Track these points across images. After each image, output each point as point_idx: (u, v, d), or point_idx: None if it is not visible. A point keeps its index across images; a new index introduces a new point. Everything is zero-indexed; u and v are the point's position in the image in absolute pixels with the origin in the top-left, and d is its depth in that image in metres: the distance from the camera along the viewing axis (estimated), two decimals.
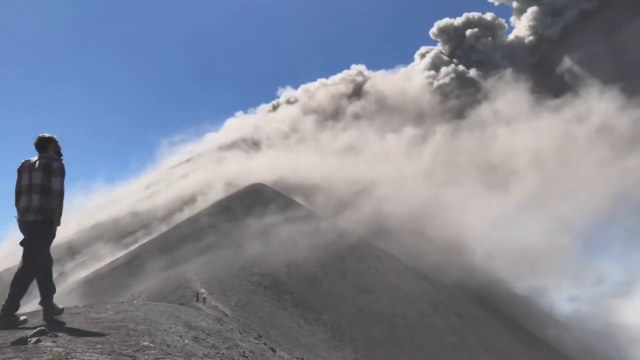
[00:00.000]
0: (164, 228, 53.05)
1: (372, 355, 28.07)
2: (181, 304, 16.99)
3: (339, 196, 62.40)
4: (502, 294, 55.20)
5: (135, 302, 14.50)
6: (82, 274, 43.99)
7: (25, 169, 6.30)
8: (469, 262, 53.79)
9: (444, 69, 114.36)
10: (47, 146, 6.41)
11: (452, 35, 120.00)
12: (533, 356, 37.98)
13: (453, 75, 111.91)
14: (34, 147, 6.44)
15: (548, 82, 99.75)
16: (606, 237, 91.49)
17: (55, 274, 6.93)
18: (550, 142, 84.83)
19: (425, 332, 33.56)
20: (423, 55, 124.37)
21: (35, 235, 6.15)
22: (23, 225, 6.20)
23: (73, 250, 56.20)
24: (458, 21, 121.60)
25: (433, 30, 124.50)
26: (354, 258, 40.48)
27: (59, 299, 6.89)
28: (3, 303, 6.03)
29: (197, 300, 19.22)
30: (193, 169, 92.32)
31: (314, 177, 68.54)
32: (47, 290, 6.37)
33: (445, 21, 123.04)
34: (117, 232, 61.86)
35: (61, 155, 6.60)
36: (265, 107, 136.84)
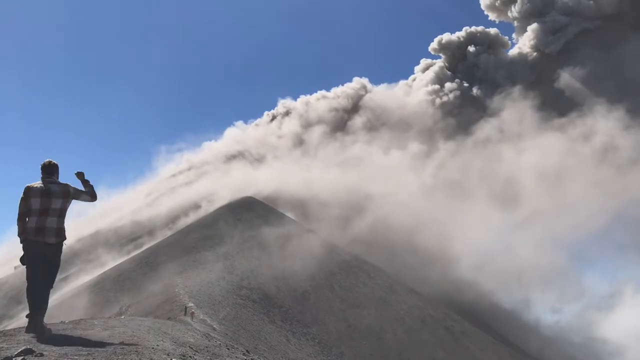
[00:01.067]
0: (167, 233, 53.05)
1: None
2: (169, 319, 16.87)
3: (333, 210, 62.54)
4: (490, 308, 55.38)
5: (122, 317, 14.37)
6: (82, 280, 43.96)
7: (35, 193, 6.75)
8: (458, 276, 53.94)
9: (448, 85, 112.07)
10: (53, 172, 7.00)
11: (453, 51, 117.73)
12: None
13: (457, 92, 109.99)
14: (40, 168, 7.01)
15: (550, 99, 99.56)
16: (596, 253, 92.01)
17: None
18: (552, 160, 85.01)
19: (414, 347, 33.50)
20: (425, 69, 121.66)
21: (58, 255, 6.93)
22: (39, 245, 6.71)
23: (73, 257, 56.13)
24: (459, 36, 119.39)
25: (433, 45, 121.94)
26: (342, 272, 40.43)
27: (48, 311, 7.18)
28: (31, 314, 6.66)
29: (185, 314, 19.09)
30: (194, 178, 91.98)
31: (309, 191, 68.72)
32: (43, 306, 6.78)
33: (446, 36, 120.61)
34: (117, 239, 61.63)
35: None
36: (265, 118, 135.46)
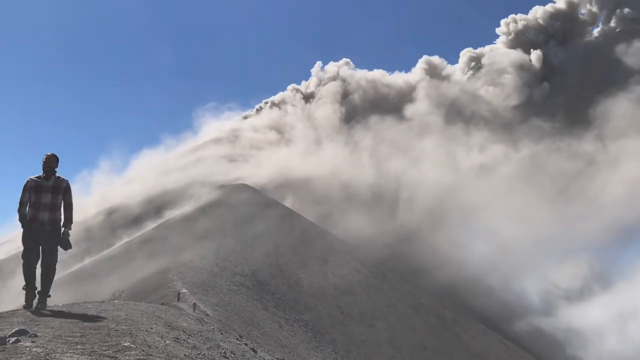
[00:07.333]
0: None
1: (352, 356, 28.23)
2: (162, 304, 16.92)
3: (338, 197, 63.04)
4: (483, 293, 55.91)
5: (116, 301, 14.40)
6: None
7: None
8: (454, 265, 54.35)
9: (537, 92, 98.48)
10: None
11: (528, 38, 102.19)
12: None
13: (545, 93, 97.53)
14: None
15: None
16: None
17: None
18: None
19: (406, 334, 33.81)
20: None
21: None
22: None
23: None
24: (530, 19, 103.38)
25: (502, 29, 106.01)
26: (336, 259, 40.61)
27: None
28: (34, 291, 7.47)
29: (177, 300, 19.14)
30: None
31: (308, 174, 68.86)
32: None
33: (519, 17, 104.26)
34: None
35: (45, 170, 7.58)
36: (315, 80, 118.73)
